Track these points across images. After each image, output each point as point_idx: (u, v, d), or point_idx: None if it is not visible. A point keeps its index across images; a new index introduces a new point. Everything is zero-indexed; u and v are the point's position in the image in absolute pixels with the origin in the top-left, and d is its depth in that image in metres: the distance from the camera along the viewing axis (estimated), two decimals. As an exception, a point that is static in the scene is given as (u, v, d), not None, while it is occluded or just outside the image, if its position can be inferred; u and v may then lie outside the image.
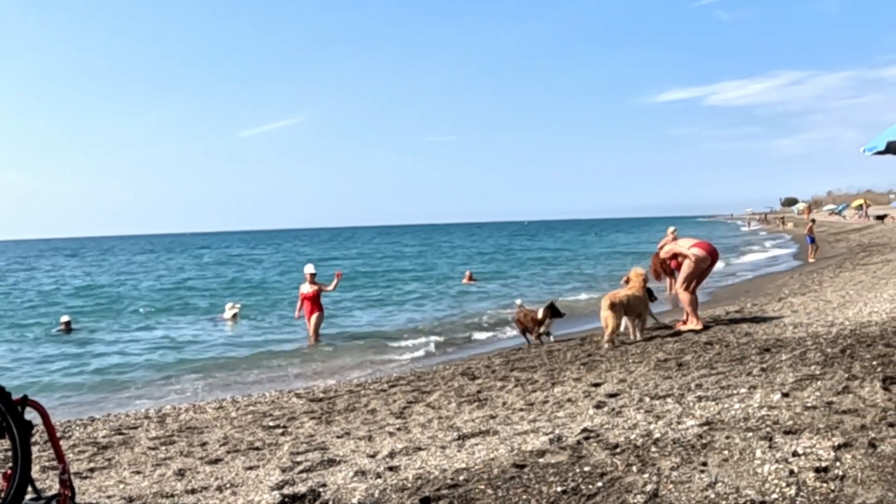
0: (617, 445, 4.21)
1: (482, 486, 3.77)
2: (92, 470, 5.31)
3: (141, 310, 21.11)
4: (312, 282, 13.75)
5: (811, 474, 3.43)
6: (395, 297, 21.92)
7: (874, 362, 5.77)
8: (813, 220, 32.80)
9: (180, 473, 4.99)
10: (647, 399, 5.58)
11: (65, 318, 17.04)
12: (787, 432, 4.08)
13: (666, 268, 10.54)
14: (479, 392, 7.17)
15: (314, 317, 13.66)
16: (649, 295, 9.81)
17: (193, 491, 4.48)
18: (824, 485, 3.31)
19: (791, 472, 3.48)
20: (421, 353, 11.93)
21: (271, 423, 6.67)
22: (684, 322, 9.86)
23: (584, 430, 4.71)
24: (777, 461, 3.63)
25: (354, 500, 3.85)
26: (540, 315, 10.59)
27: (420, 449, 4.87)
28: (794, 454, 3.70)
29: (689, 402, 5.16)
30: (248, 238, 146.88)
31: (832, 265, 20.29)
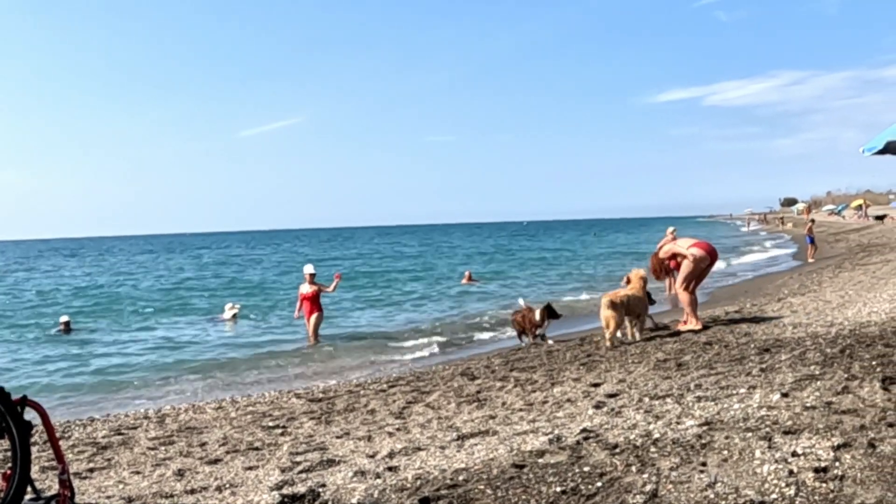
0: (616, 446, 4.22)
1: (481, 487, 3.77)
2: (91, 470, 5.31)
3: (140, 310, 21.10)
4: (312, 282, 13.75)
5: (810, 474, 3.43)
6: (395, 298, 21.92)
7: (873, 362, 5.78)
8: (812, 221, 32.84)
9: (180, 474, 4.99)
10: (646, 399, 5.58)
11: (64, 319, 17.03)
12: (786, 432, 4.08)
13: (665, 268, 10.54)
14: (478, 392, 7.17)
15: (313, 317, 13.65)
16: (647, 298, 9.81)
17: (193, 491, 4.48)
18: (823, 485, 3.31)
19: (790, 472, 3.48)
20: (421, 353, 11.92)
21: (271, 424, 6.67)
22: (684, 322, 9.86)
23: (584, 430, 4.71)
24: (776, 461, 3.63)
25: (354, 501, 3.85)
26: (537, 317, 10.59)
27: (419, 449, 4.87)
28: (794, 454, 3.70)
29: (688, 403, 5.17)
30: (248, 238, 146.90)
31: (831, 265, 20.30)
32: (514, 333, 11.23)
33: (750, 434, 4.12)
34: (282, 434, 6.18)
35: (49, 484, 4.64)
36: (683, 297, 9.82)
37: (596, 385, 6.64)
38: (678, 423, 4.57)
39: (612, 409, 5.36)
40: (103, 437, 6.55)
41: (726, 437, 4.11)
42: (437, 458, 4.54)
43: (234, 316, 17.52)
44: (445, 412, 6.40)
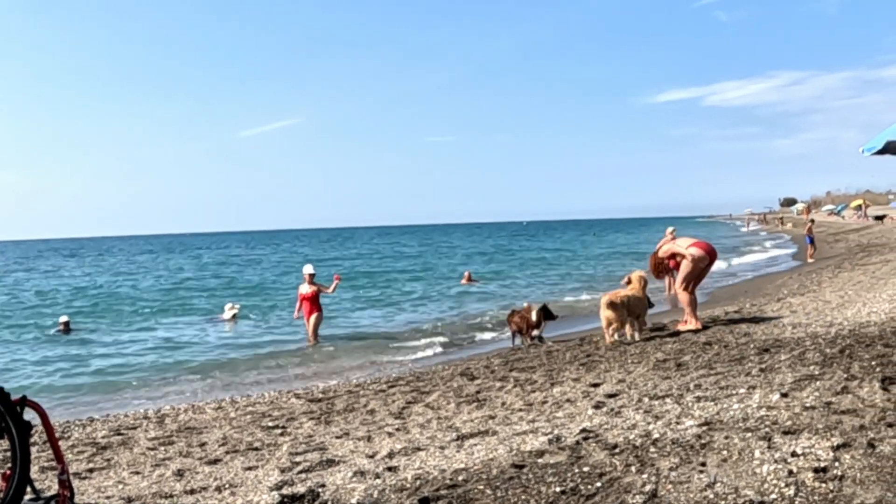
0: (616, 446, 4.22)
1: (481, 487, 3.77)
2: (91, 470, 5.31)
3: (140, 310, 21.10)
4: (311, 282, 13.76)
5: (810, 474, 3.43)
6: (395, 298, 21.93)
7: (873, 362, 5.78)
8: (812, 221, 32.85)
9: (179, 474, 4.99)
10: (645, 399, 5.58)
11: (63, 319, 17.03)
12: (785, 432, 4.08)
13: (664, 267, 10.53)
14: (478, 392, 7.17)
15: (313, 317, 13.66)
16: (647, 301, 9.80)
17: (192, 491, 4.48)
18: (823, 485, 3.32)
19: (790, 472, 3.48)
20: (420, 353, 11.93)
21: (270, 424, 6.67)
22: (684, 322, 9.86)
23: (583, 430, 4.71)
24: (776, 461, 3.63)
25: (353, 501, 3.85)
26: (534, 317, 10.58)
27: (419, 449, 4.87)
28: (793, 454, 3.71)
29: (687, 403, 5.17)
30: (248, 238, 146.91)
31: (831, 265, 20.31)
32: (519, 332, 11.18)
33: (749, 434, 4.12)
34: (281, 434, 6.18)
35: (49, 484, 4.64)
36: (683, 297, 9.82)
37: (595, 385, 6.64)
38: (678, 424, 4.57)
39: (612, 410, 5.36)
40: (103, 438, 6.55)
41: (726, 438, 4.11)
42: (437, 458, 4.54)
43: (234, 316, 17.52)
44: (445, 412, 6.40)
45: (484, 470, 4.06)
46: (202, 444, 6.01)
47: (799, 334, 8.05)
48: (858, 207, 77.02)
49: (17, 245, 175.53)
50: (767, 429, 4.20)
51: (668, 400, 5.40)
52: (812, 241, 27.09)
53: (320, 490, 4.07)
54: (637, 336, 9.31)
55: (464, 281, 25.30)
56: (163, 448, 5.97)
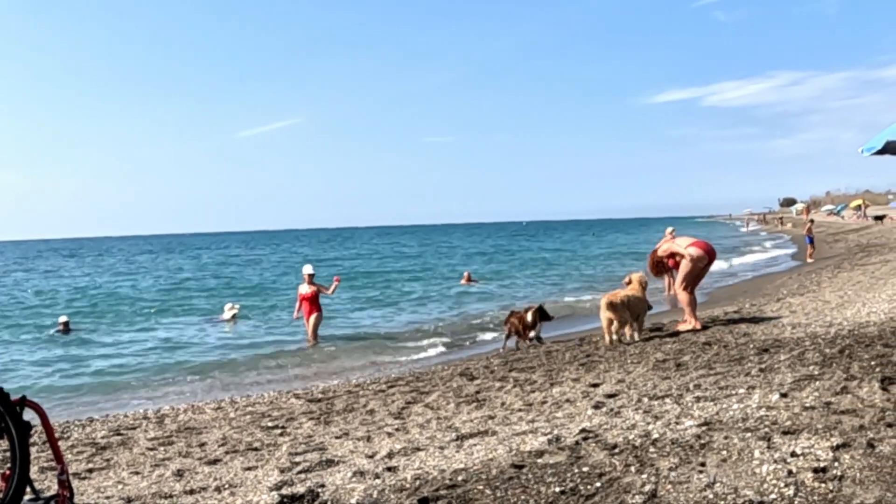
0: (615, 446, 4.22)
1: (481, 487, 3.77)
2: (90, 470, 5.31)
3: (139, 311, 21.09)
4: (311, 282, 13.76)
5: (809, 474, 3.43)
6: (394, 298, 21.93)
7: (872, 363, 5.78)
8: (812, 221, 32.86)
9: (179, 474, 4.99)
10: (645, 399, 5.58)
11: (63, 319, 17.02)
12: (785, 433, 4.09)
13: (663, 265, 10.51)
14: (477, 392, 7.17)
15: (313, 317, 13.65)
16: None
17: (192, 491, 4.48)
18: (823, 485, 3.32)
19: (789, 472, 3.48)
20: (420, 354, 11.93)
21: (270, 424, 6.67)
22: (683, 322, 9.86)
23: (583, 430, 4.71)
24: (775, 461, 3.63)
25: (353, 501, 3.85)
26: (529, 318, 10.56)
27: (418, 449, 4.87)
28: (793, 454, 3.71)
29: (687, 403, 5.17)
30: (247, 238, 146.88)
31: (830, 265, 20.31)
32: (515, 333, 11.15)
33: (749, 434, 4.12)
34: (281, 434, 6.18)
35: (48, 484, 4.64)
36: (682, 298, 9.81)
37: (595, 385, 6.64)
38: (677, 424, 4.57)
39: (611, 410, 5.36)
40: (102, 438, 6.55)
41: (725, 438, 4.11)
42: (436, 458, 4.54)
43: (234, 316, 17.52)
44: (444, 412, 6.40)
45: (483, 470, 4.06)
46: (202, 445, 6.01)
47: (798, 334, 8.05)
48: (858, 207, 77.01)
49: (16, 245, 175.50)
50: (767, 429, 4.20)
51: (667, 400, 5.40)
52: (812, 242, 27.10)
53: (320, 490, 4.07)
54: (636, 336, 9.31)
55: (463, 281, 25.30)
56: (162, 448, 5.97)
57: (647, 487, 3.48)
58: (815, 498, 3.20)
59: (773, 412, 4.56)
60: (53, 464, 4.14)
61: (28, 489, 3.62)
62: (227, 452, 5.61)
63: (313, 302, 13.68)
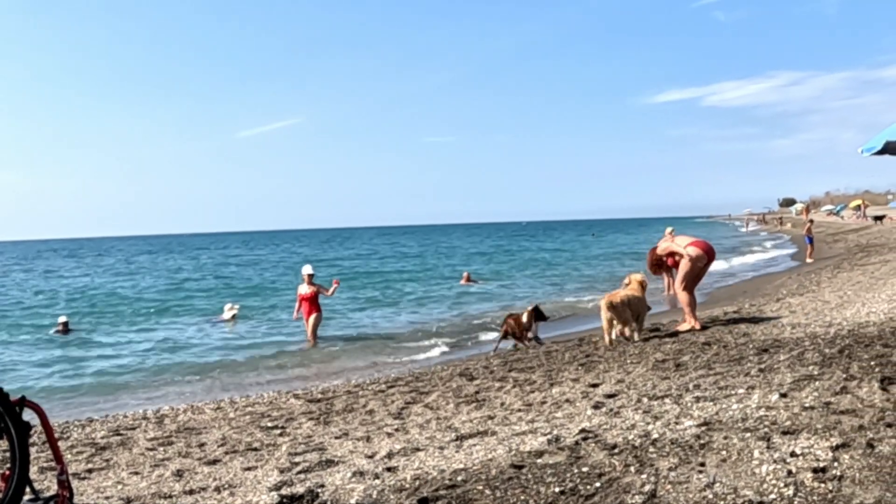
0: (615, 446, 4.22)
1: (480, 487, 3.77)
2: (90, 471, 5.31)
3: (139, 311, 21.09)
4: (310, 283, 13.76)
5: (809, 475, 3.43)
6: (394, 298, 21.94)
7: (872, 363, 5.78)
8: (811, 221, 32.86)
9: (178, 474, 4.99)
10: (645, 400, 5.58)
11: (62, 319, 17.02)
12: (785, 433, 4.09)
13: (662, 264, 10.51)
14: (477, 393, 7.17)
15: (312, 318, 13.66)
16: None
17: (192, 492, 4.48)
18: (822, 485, 3.32)
19: (789, 472, 3.48)
20: (420, 354, 11.93)
21: (269, 424, 6.67)
22: (683, 322, 9.86)
23: (582, 430, 4.71)
24: (775, 461, 3.63)
25: (352, 501, 3.85)
26: (525, 319, 10.56)
27: (418, 449, 4.87)
28: (792, 454, 3.71)
29: (687, 403, 5.17)
30: (247, 238, 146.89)
31: (830, 266, 20.31)
32: (511, 335, 11.13)
33: (748, 434, 4.12)
34: (280, 434, 6.18)
35: (48, 485, 4.64)
36: (682, 298, 9.81)
37: (594, 385, 6.64)
38: (677, 424, 4.57)
39: (611, 410, 5.36)
40: (102, 438, 6.55)
41: (725, 438, 4.11)
42: (436, 458, 4.54)
43: (234, 316, 17.52)
44: (444, 413, 6.40)
45: (483, 470, 4.06)
46: (201, 445, 6.00)
47: (798, 334, 8.05)
48: (857, 208, 77.02)
49: (16, 245, 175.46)
50: (766, 429, 4.20)
51: (667, 400, 5.40)
52: (811, 242, 27.11)
53: (319, 490, 4.07)
54: (636, 336, 9.31)
55: (463, 281, 25.30)
56: (162, 448, 5.97)
57: (647, 487, 3.48)
58: (815, 498, 3.20)
59: (773, 412, 4.56)
60: (53, 464, 4.14)
61: (28, 489, 3.61)
62: (226, 453, 5.61)
63: (313, 302, 13.68)
